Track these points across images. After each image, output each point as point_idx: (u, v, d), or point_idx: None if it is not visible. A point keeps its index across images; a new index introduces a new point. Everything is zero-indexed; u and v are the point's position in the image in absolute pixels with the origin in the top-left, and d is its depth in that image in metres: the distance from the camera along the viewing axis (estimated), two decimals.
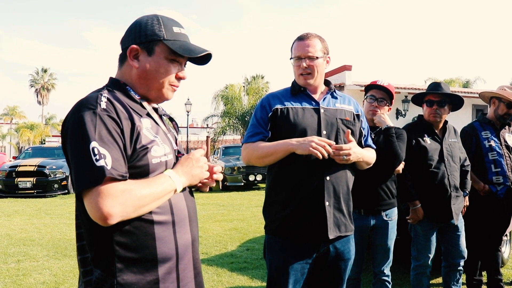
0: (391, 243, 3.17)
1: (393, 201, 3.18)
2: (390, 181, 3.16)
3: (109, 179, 1.32)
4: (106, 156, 1.33)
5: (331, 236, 2.27)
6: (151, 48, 1.56)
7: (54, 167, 12.71)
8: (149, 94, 1.61)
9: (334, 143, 2.21)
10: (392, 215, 3.16)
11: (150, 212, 1.45)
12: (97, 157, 1.32)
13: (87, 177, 1.31)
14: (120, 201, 1.32)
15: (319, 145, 2.15)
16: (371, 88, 3.23)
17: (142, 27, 1.57)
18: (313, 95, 2.41)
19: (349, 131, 2.29)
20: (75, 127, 1.38)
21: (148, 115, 1.57)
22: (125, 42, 1.59)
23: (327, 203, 2.26)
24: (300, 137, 2.26)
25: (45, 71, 57.13)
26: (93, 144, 1.33)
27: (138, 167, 1.44)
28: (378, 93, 3.19)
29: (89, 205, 1.32)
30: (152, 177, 1.46)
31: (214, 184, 1.75)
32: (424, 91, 3.56)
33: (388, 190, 3.14)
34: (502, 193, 3.90)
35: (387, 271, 3.21)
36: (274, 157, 2.29)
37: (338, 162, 2.23)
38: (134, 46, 1.55)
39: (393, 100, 3.23)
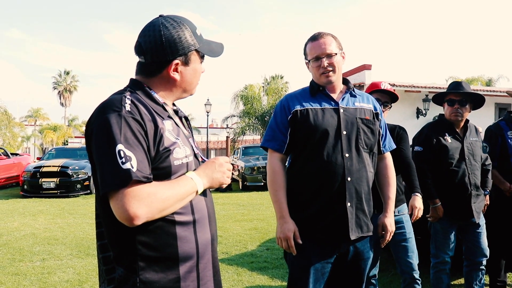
0: (411, 235, 3.19)
1: (403, 197, 3.24)
2: (398, 178, 3.19)
3: (135, 181, 1.35)
4: (132, 159, 1.36)
5: (352, 237, 2.28)
6: (188, 58, 1.61)
7: (76, 167, 12.89)
8: (182, 96, 1.68)
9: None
10: (403, 210, 3.21)
11: (172, 213, 1.48)
12: (123, 159, 1.35)
13: (114, 180, 1.34)
14: (146, 203, 1.36)
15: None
16: (375, 91, 3.27)
17: (176, 40, 1.56)
18: (332, 94, 2.40)
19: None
20: (100, 130, 1.40)
21: (169, 117, 1.59)
22: (159, 55, 1.56)
23: (348, 204, 2.27)
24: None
25: (68, 73, 57.87)
26: (119, 146, 1.36)
27: (161, 169, 1.47)
28: (384, 97, 3.24)
29: (116, 207, 1.35)
30: (175, 179, 1.49)
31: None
32: (445, 90, 3.54)
33: (398, 188, 3.15)
34: None
35: (415, 266, 3.17)
36: None
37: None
38: (176, 61, 1.58)
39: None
